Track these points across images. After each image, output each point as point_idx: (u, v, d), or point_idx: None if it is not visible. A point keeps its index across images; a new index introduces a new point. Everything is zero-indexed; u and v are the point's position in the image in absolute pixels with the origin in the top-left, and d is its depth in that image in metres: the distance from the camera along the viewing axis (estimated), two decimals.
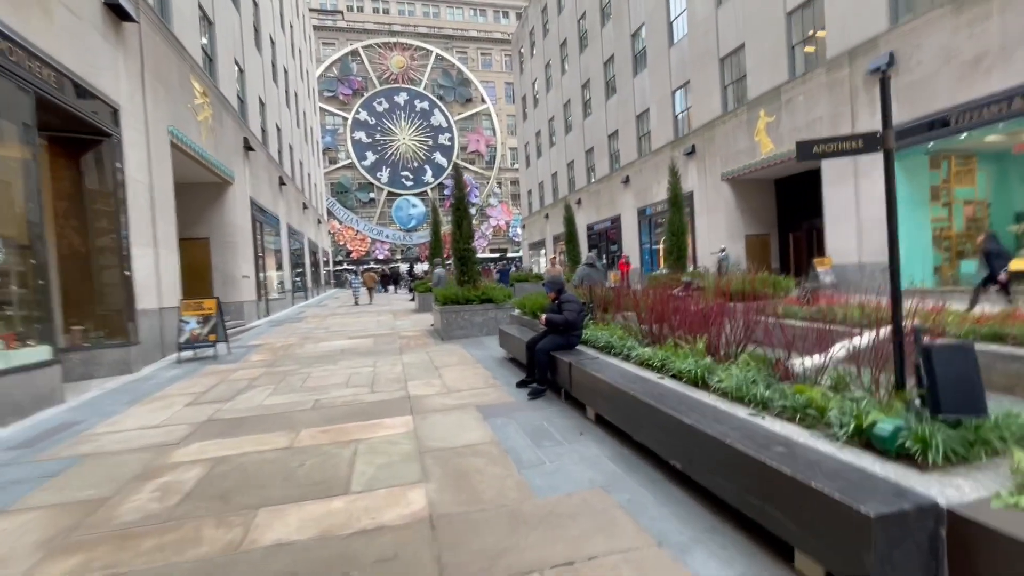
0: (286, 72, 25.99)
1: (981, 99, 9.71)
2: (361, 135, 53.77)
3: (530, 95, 39.74)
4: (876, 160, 11.79)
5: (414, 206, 55.34)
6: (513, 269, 37.93)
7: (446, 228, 18.20)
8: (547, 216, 36.70)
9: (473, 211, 39.64)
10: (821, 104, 13.50)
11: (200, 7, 13.10)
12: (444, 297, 10.62)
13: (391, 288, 36.36)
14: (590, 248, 27.49)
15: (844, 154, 2.77)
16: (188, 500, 3.20)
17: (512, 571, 2.29)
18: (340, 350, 9.36)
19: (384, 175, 54.54)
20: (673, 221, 15.02)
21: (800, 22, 14.61)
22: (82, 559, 2.56)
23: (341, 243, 52.70)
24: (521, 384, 5.79)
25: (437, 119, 56.21)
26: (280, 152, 22.94)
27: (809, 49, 14.44)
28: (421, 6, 59.45)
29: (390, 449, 3.96)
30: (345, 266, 51.02)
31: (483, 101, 57.81)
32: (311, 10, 47.84)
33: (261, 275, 17.25)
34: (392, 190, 54.91)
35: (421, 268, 40.53)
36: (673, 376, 3.97)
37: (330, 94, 52.19)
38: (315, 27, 48.65)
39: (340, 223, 52.67)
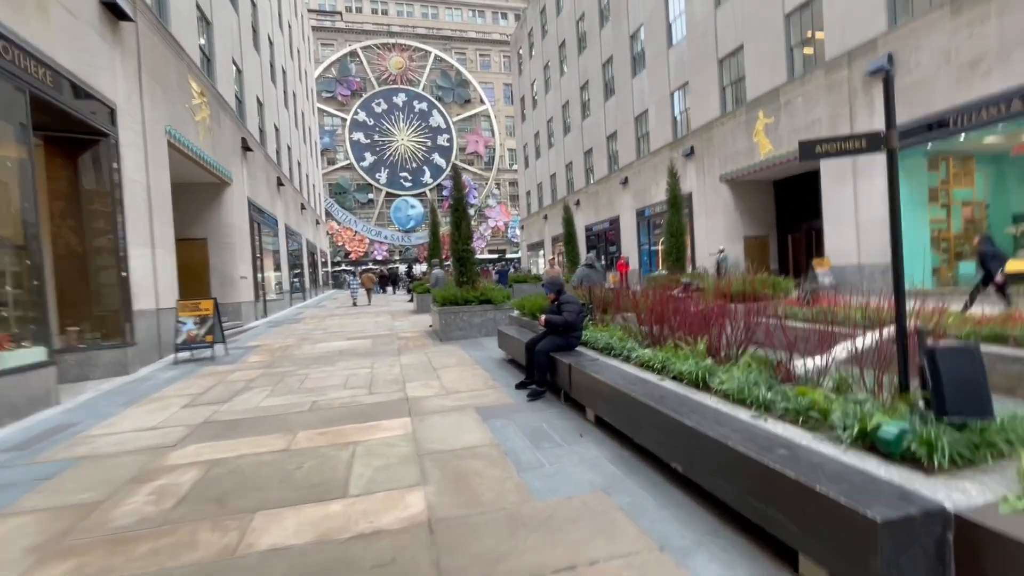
0: (284, 72, 25.95)
1: (980, 100, 9.72)
2: (359, 136, 53.73)
3: (529, 96, 39.75)
4: (875, 161, 11.80)
5: (412, 207, 55.30)
6: (512, 270, 37.89)
7: (444, 229, 18.18)
8: (546, 217, 36.70)
9: (472, 212, 39.56)
10: (820, 105, 13.51)
11: (198, 7, 13.06)
12: (443, 298, 10.58)
13: (389, 289, 36.31)
14: (589, 249, 27.48)
15: (847, 154, 2.75)
16: (184, 503, 3.16)
17: None
18: (338, 351, 9.32)
19: (382, 176, 54.50)
20: (672, 222, 15.01)
21: (799, 23, 14.63)
22: (75, 564, 2.52)
23: (339, 244, 52.63)
24: (520, 385, 5.76)
25: (436, 120, 56.21)
26: (278, 152, 22.89)
27: (808, 51, 14.46)
28: (420, 7, 59.45)
29: (388, 451, 3.92)
30: (343, 267, 50.93)
31: (482, 102, 57.83)
32: (310, 11, 47.79)
33: (259, 276, 17.20)
34: (390, 191, 54.86)
35: (420, 269, 40.51)
36: (674, 378, 3.94)
37: (328, 95, 52.14)
38: (313, 28, 48.63)
39: (338, 224, 52.60)
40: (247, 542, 2.65)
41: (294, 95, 28.93)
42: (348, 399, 5.68)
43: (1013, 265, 8.76)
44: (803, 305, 6.67)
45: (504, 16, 61.62)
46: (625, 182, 24.53)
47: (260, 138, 19.08)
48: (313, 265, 32.80)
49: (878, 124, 11.80)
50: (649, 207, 22.63)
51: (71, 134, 7.43)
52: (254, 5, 19.81)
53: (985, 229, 11.58)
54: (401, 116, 55.05)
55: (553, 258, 34.24)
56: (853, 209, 12.78)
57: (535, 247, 41.01)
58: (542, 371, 5.34)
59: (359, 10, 57.42)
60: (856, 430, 2.37)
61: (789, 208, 17.70)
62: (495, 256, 56.16)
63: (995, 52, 9.54)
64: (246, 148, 15.76)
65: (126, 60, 8.54)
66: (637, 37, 23.34)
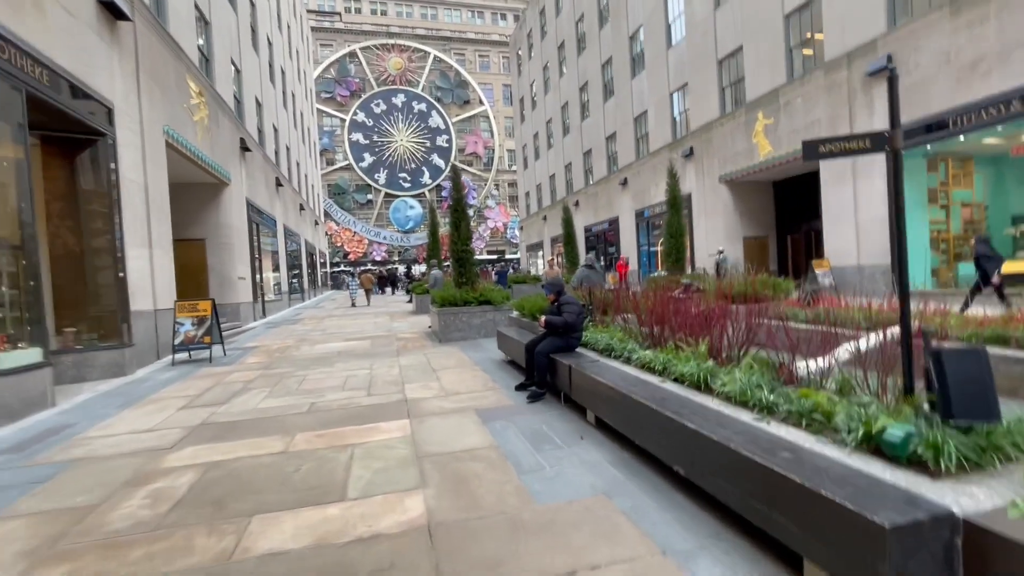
0: (283, 73, 25.91)
1: (979, 101, 9.72)
2: (359, 136, 53.69)
3: (528, 97, 39.75)
4: (875, 161, 11.80)
5: (411, 208, 55.26)
6: (511, 271, 37.86)
7: (444, 230, 18.15)
8: (545, 218, 36.68)
9: (471, 213, 39.57)
10: (819, 106, 13.50)
11: (196, 7, 13.03)
12: (442, 299, 10.54)
13: (388, 290, 36.27)
14: (588, 250, 27.46)
15: (851, 154, 2.72)
16: (180, 507, 3.12)
17: None
18: (337, 352, 9.28)
19: (381, 177, 54.46)
20: (672, 223, 14.99)
21: (798, 24, 14.63)
22: (68, 569, 2.48)
23: (338, 244, 52.57)
24: (520, 387, 5.72)
25: (435, 121, 56.19)
26: (277, 153, 22.85)
27: (807, 51, 14.46)
28: (419, 8, 59.44)
29: (387, 454, 3.89)
30: (342, 268, 50.88)
31: (481, 103, 57.83)
32: (308, 11, 47.75)
33: (257, 277, 17.15)
34: (389, 191, 54.82)
35: (418, 270, 40.46)
36: (675, 380, 3.91)
37: (328, 95, 52.11)
38: (313, 28, 48.61)
39: (337, 224, 52.54)
40: (244, 547, 2.61)
41: (293, 95, 28.89)
42: (347, 401, 5.64)
43: (1010, 266, 8.76)
44: (804, 306, 6.65)
45: (503, 17, 61.63)
46: (624, 183, 24.52)
47: (259, 138, 19.04)
48: (312, 266, 32.75)
49: (877, 125, 11.79)
50: (648, 208, 22.62)
51: (68, 134, 7.39)
52: (253, 5, 19.77)
53: (984, 230, 11.59)
54: (400, 117, 55.03)
55: (552, 259, 34.24)
56: (853, 210, 12.77)
57: (534, 248, 40.99)
58: (542, 373, 5.30)
59: (358, 11, 57.40)
60: (861, 433, 2.34)
61: (788, 209, 17.70)
62: (494, 257, 56.15)
63: (995, 53, 9.53)
64: (245, 148, 15.72)
65: (124, 60, 8.50)
66: (636, 38, 23.34)
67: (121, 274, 7.90)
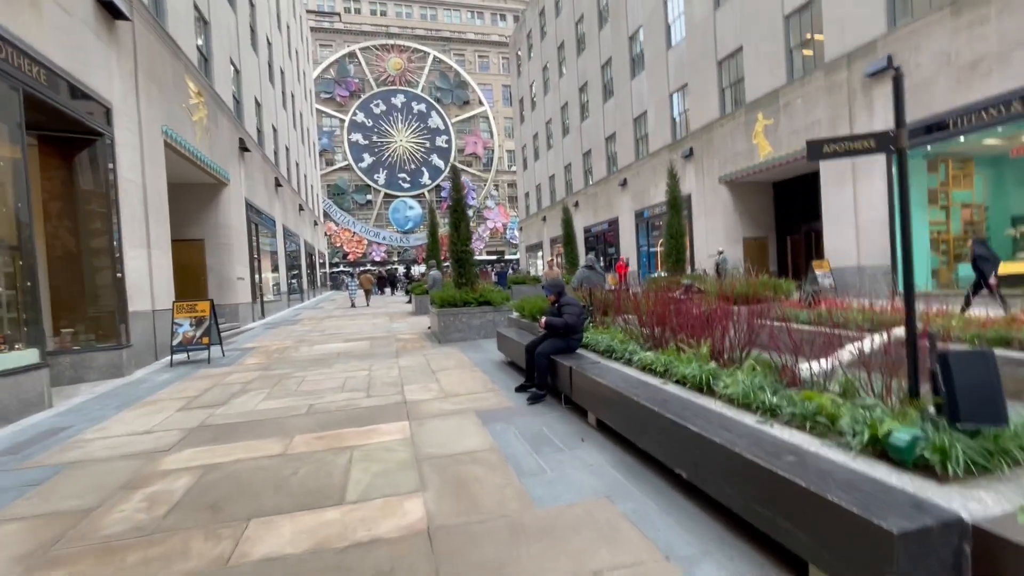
0: (283, 73, 25.88)
1: (979, 102, 9.71)
2: (358, 137, 53.65)
3: (527, 98, 39.74)
4: (875, 162, 11.78)
5: (411, 208, 55.22)
6: (510, 271, 37.84)
7: (443, 230, 18.12)
8: (544, 219, 36.66)
9: (470, 213, 39.55)
10: (819, 107, 13.49)
11: (195, 7, 12.99)
12: (441, 300, 10.51)
13: (388, 290, 36.23)
14: (588, 251, 27.45)
15: (855, 154, 2.70)
16: (177, 510, 3.08)
17: None
18: (336, 353, 9.24)
19: (381, 177, 54.41)
20: (672, 224, 14.98)
21: (798, 25, 14.62)
22: (64, 574, 2.45)
23: (337, 245, 52.52)
24: (520, 388, 5.69)
25: (434, 121, 56.17)
26: (276, 153, 22.81)
27: (807, 52, 14.45)
28: (419, 8, 59.43)
29: (386, 456, 3.85)
30: (341, 268, 50.82)
31: (480, 104, 57.81)
32: (308, 11, 47.71)
33: (256, 277, 17.11)
34: (389, 192, 54.77)
35: (418, 270, 40.42)
36: (676, 381, 3.88)
37: (327, 96, 52.07)
38: (312, 28, 48.58)
39: (336, 225, 52.49)
40: (241, 551, 2.58)
41: (292, 96, 28.85)
42: (346, 402, 5.61)
43: (1015, 267, 8.75)
44: (805, 307, 6.63)
45: (503, 17, 61.64)
46: (624, 183, 24.51)
47: (258, 139, 19.00)
48: (311, 266, 32.70)
49: (878, 125, 11.78)
50: (648, 208, 22.60)
51: (66, 134, 7.36)
52: (252, 5, 19.74)
53: (984, 231, 11.58)
54: (400, 117, 55.00)
55: (552, 260, 34.21)
56: (853, 210, 12.76)
57: (534, 248, 40.96)
58: (542, 374, 5.27)
59: (358, 11, 57.38)
60: (866, 436, 2.32)
61: (788, 210, 17.69)
62: (493, 257, 56.11)
63: (995, 53, 9.53)
64: (244, 148, 15.68)
65: (122, 59, 8.47)
66: (636, 38, 23.34)
67: (119, 274, 7.86)
